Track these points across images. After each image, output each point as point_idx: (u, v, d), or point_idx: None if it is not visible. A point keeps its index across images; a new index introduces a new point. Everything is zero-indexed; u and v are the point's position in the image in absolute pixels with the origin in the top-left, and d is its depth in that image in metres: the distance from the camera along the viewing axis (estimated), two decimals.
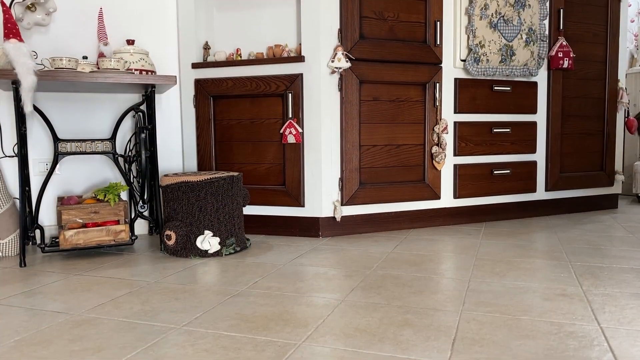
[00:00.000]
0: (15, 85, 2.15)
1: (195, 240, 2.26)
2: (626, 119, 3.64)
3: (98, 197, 2.36)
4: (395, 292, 1.72)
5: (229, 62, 2.72)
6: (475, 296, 1.68)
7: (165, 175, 2.37)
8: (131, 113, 2.76)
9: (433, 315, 1.50)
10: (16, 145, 2.49)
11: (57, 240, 2.44)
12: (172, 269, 2.09)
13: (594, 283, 1.81)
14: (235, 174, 2.40)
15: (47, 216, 2.64)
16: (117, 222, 2.33)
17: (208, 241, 2.25)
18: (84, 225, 2.29)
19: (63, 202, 2.34)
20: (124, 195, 2.78)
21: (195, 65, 2.78)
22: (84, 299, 1.71)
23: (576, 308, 1.55)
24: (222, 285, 1.83)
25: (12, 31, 2.13)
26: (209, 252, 2.27)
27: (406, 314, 1.51)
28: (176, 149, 2.93)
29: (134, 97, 2.79)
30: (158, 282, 1.89)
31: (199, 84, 2.78)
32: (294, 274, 1.97)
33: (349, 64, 2.57)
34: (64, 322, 1.49)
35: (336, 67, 2.57)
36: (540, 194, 3.24)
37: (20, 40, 2.14)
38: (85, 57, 2.50)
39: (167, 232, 2.25)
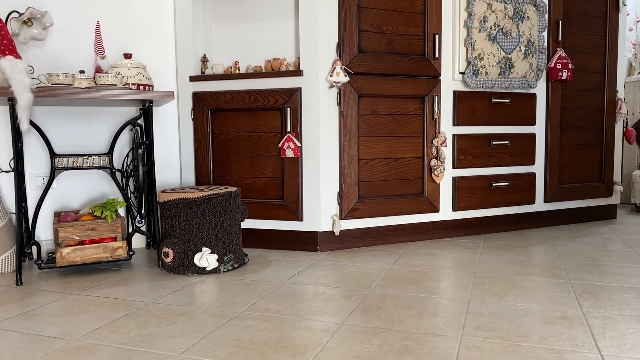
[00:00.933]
0: (12, 102, 2.13)
1: (193, 257, 2.25)
2: (625, 129, 3.64)
3: (95, 213, 2.34)
4: (394, 315, 1.71)
5: (227, 76, 2.70)
6: (475, 319, 1.67)
7: (163, 192, 2.35)
8: (129, 127, 2.75)
9: (433, 342, 1.49)
10: (12, 160, 2.47)
11: (54, 256, 2.43)
12: (169, 287, 2.07)
13: (594, 304, 1.80)
14: (234, 189, 2.39)
15: (43, 230, 2.62)
16: (115, 239, 2.32)
17: (206, 258, 2.24)
18: (81, 242, 2.27)
19: (60, 218, 2.32)
20: (121, 211, 2.76)
21: (193, 78, 2.77)
22: (81, 322, 1.69)
23: (577, 333, 1.54)
24: (220, 307, 1.82)
25: (9, 47, 2.11)
26: (207, 269, 2.25)
27: (405, 340, 1.50)
28: (174, 162, 2.91)
29: (132, 110, 2.78)
30: (155, 303, 1.88)
31: (197, 97, 2.76)
32: (293, 294, 1.95)
33: (347, 78, 2.56)
34: (60, 349, 1.47)
35: (335, 82, 2.56)
36: (539, 205, 3.23)
37: (17, 56, 2.12)
38: (82, 72, 2.48)
39: (165, 250, 2.24)
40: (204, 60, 2.81)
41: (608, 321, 1.64)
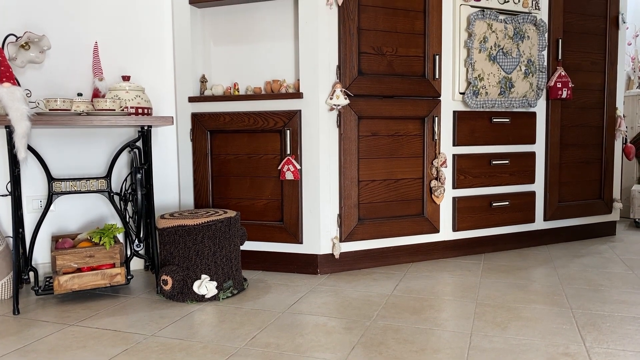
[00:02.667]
0: (9, 129, 2.11)
1: (192, 284, 2.23)
2: (624, 145, 3.63)
3: (93, 239, 2.32)
4: (397, 351, 1.70)
5: (226, 97, 2.68)
6: (477, 356, 1.65)
7: (162, 217, 2.33)
8: (127, 149, 2.72)
9: None
10: (9, 184, 2.45)
11: (51, 281, 2.40)
12: (168, 317, 2.05)
13: (597, 338, 1.79)
14: (233, 214, 2.37)
15: (41, 253, 2.60)
16: (113, 265, 2.29)
17: (205, 286, 2.22)
18: (79, 270, 2.25)
19: (57, 245, 2.30)
20: (119, 235, 2.74)
21: (192, 99, 2.75)
22: (80, 358, 1.67)
23: None
24: (220, 341, 1.80)
25: (6, 74, 2.09)
26: (206, 296, 2.23)
27: None
28: (172, 183, 2.89)
29: (130, 132, 2.76)
30: (155, 336, 1.85)
31: (196, 118, 2.74)
32: (293, 326, 1.93)
33: (347, 101, 2.55)
34: None
35: (335, 104, 2.54)
36: (539, 223, 3.23)
37: (14, 83, 2.10)
38: (80, 94, 2.46)
39: (164, 277, 2.22)
40: (203, 80, 2.79)
41: (612, 358, 1.63)
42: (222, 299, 2.27)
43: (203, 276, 2.24)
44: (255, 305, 2.18)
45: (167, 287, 2.22)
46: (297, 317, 2.03)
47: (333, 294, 2.32)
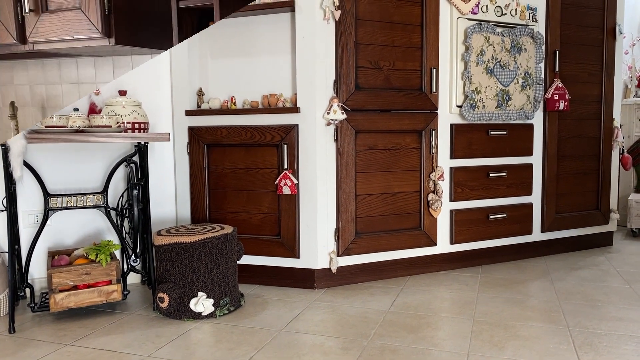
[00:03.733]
0: (5, 147, 2.10)
1: (189, 302, 2.22)
2: (621, 155, 3.64)
3: (90, 256, 2.31)
4: None
5: (223, 111, 2.68)
6: None
7: (158, 234, 2.33)
8: (124, 163, 2.71)
9: None
10: (5, 199, 2.44)
11: (47, 297, 2.39)
12: (165, 336, 2.05)
13: (594, 359, 1.79)
14: (230, 230, 2.36)
15: (37, 268, 2.58)
16: (110, 282, 2.29)
17: (202, 303, 2.21)
18: (75, 287, 2.24)
19: (53, 262, 2.29)
20: (116, 251, 2.73)
21: (189, 113, 2.74)
22: None
23: None
24: None
25: None
26: (203, 314, 2.23)
27: None
28: (169, 196, 2.88)
29: (127, 146, 2.75)
30: (151, 357, 1.85)
31: (193, 131, 2.74)
32: (290, 346, 1.93)
33: (344, 116, 2.55)
34: None
35: (332, 119, 2.54)
36: (536, 235, 3.23)
37: None
38: (76, 109, 2.45)
39: (160, 295, 2.21)
40: (200, 94, 2.79)
41: None
42: (219, 316, 2.26)
43: (200, 294, 2.23)
44: (252, 323, 2.18)
45: (164, 305, 2.21)
46: (295, 337, 2.02)
47: (330, 311, 2.31)
